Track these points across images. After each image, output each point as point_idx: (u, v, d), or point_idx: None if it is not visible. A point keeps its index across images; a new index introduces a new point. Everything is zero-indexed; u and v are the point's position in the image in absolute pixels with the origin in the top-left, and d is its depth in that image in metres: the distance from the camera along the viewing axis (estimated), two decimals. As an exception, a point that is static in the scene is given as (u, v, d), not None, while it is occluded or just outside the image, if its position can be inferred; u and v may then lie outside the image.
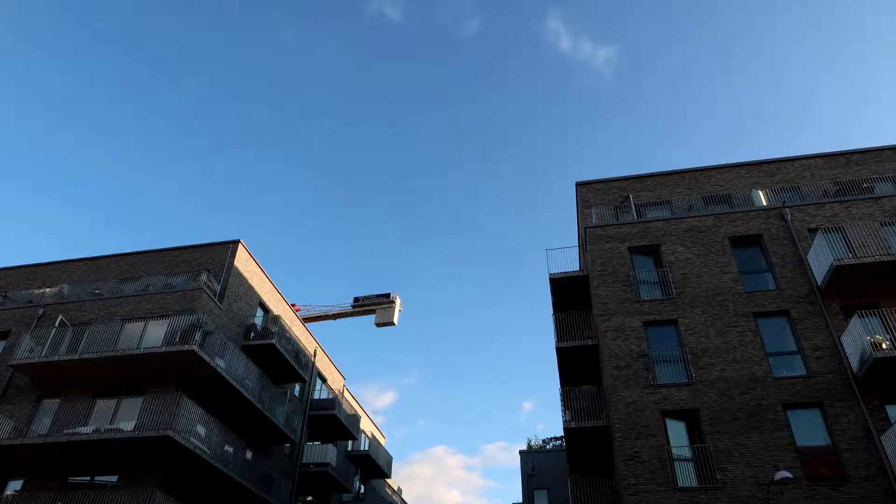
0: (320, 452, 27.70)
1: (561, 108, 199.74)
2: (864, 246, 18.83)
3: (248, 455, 22.48)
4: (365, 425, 36.69)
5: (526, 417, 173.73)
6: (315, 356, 30.86)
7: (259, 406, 22.08)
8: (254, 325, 24.92)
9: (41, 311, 23.60)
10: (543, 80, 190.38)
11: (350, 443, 33.70)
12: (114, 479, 18.72)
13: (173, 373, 20.03)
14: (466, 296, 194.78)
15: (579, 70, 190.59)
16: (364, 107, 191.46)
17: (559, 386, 22.12)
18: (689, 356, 18.21)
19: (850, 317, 18.04)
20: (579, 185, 25.56)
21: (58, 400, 20.75)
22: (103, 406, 19.92)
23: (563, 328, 22.08)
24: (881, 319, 17.44)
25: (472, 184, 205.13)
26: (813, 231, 20.16)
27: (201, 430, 19.23)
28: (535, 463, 32.20)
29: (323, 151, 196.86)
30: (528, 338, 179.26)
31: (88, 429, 18.96)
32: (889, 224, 19.70)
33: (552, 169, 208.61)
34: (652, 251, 21.31)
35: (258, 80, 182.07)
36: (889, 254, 17.65)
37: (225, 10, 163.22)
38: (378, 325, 60.25)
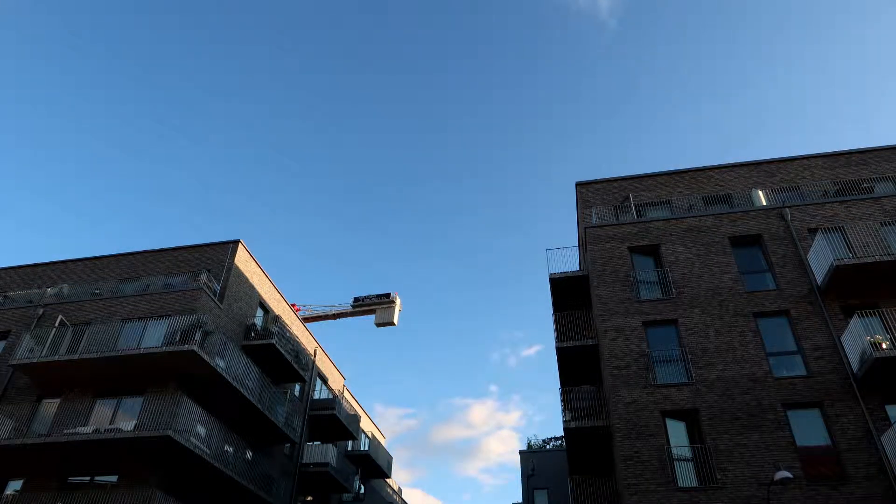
0: (320, 452, 27.70)
1: (561, 109, 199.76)
2: (864, 246, 18.82)
3: (248, 455, 22.48)
4: (365, 425, 36.69)
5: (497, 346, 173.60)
6: (315, 356, 30.85)
7: (259, 406, 22.08)
8: (254, 325, 24.92)
9: (41, 311, 23.60)
10: (543, 79, 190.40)
11: (350, 443, 33.70)
12: (114, 479, 18.72)
13: (173, 373, 20.02)
14: (466, 295, 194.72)
15: (580, 31, 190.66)
16: (364, 107, 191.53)
17: (559, 386, 22.12)
18: (689, 356, 18.21)
19: (850, 317, 18.04)
20: (579, 185, 25.56)
21: (58, 400, 20.74)
22: (103, 406, 19.93)
23: (563, 328, 22.07)
24: (881, 319, 17.44)
25: (472, 183, 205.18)
26: (813, 231, 20.16)
27: (201, 430, 19.22)
28: (535, 463, 32.19)
29: (323, 151, 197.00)
30: (528, 341, 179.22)
31: (88, 429, 18.95)
32: (889, 224, 19.70)
33: (552, 169, 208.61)
34: (652, 251, 21.30)
35: (257, 79, 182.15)
36: (889, 254, 17.65)
37: (222, 10, 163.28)
38: (378, 325, 60.19)
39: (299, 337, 29.56)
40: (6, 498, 18.74)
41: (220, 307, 22.86)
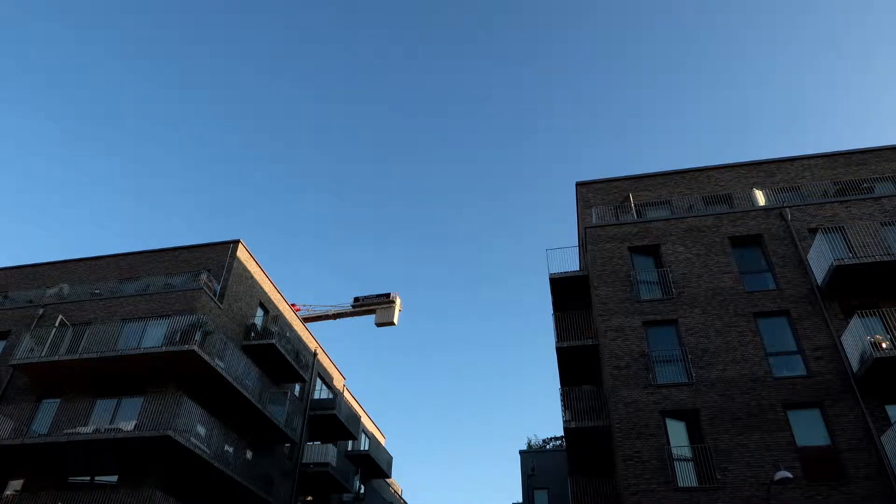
0: (320, 452, 27.69)
1: (561, 109, 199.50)
2: (864, 246, 18.83)
3: (248, 455, 22.48)
4: (365, 425, 36.69)
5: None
6: (315, 356, 30.86)
7: (259, 406, 22.08)
8: (254, 325, 24.92)
9: (41, 311, 23.60)
10: (544, 79, 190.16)
11: (350, 442, 33.69)
12: (114, 479, 18.72)
13: (173, 373, 20.02)
14: (466, 295, 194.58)
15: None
16: (365, 107, 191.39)
17: (559, 386, 22.13)
18: (689, 356, 18.21)
19: (850, 317, 18.04)
20: (579, 185, 25.56)
21: (58, 400, 20.74)
22: (103, 406, 19.93)
23: (564, 328, 22.09)
24: (881, 319, 17.45)
25: (473, 183, 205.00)
26: (813, 231, 20.17)
27: (201, 430, 19.23)
28: (535, 463, 32.20)
29: (323, 151, 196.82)
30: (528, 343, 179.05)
31: (88, 429, 18.96)
32: (889, 224, 19.70)
33: (552, 169, 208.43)
34: (652, 251, 21.31)
35: (258, 79, 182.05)
36: (889, 254, 17.64)
37: (222, 9, 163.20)
38: (378, 325, 60.23)
39: (299, 337, 29.56)
40: (6, 498, 18.73)
41: (220, 307, 22.85)
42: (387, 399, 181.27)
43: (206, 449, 19.03)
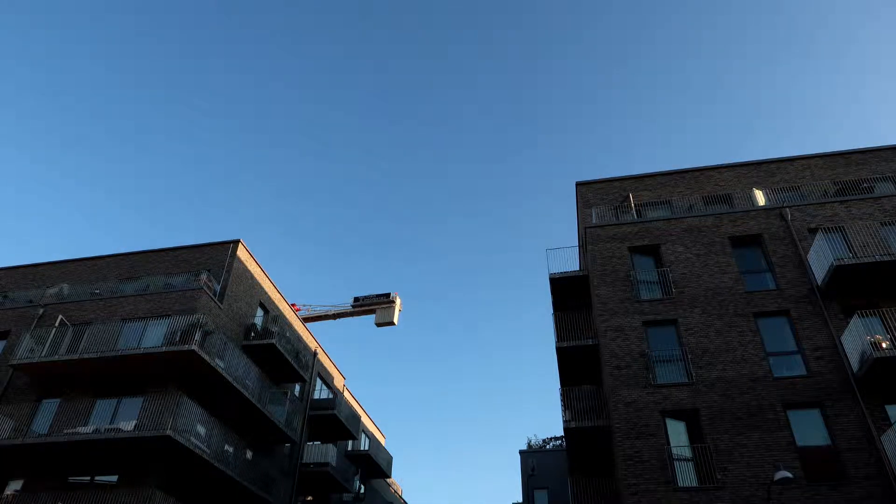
0: (320, 452, 27.69)
1: (561, 109, 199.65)
2: (864, 246, 18.84)
3: (248, 455, 22.47)
4: (365, 425, 36.69)
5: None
6: (315, 356, 30.86)
7: (259, 406, 22.08)
8: (254, 325, 24.92)
9: (41, 311, 23.59)
10: (544, 80, 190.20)
11: (350, 442, 33.70)
12: (114, 479, 18.72)
13: (173, 373, 20.02)
14: (466, 295, 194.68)
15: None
16: (365, 107, 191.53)
17: (559, 386, 22.13)
18: (689, 356, 18.21)
19: (850, 317, 18.05)
20: (579, 184, 25.56)
21: (58, 400, 20.74)
22: (103, 406, 19.94)
23: (564, 328, 22.09)
24: (881, 319, 17.45)
25: (473, 183, 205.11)
26: (813, 231, 20.17)
27: (201, 430, 19.23)
28: (535, 463, 32.20)
29: (324, 151, 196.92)
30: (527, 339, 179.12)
31: (88, 429, 18.96)
32: (889, 224, 19.70)
33: (552, 169, 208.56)
34: (652, 251, 21.31)
35: (259, 80, 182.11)
36: (889, 254, 17.64)
37: (221, 10, 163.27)
38: (378, 324, 60.19)
39: (299, 337, 29.55)
40: (6, 498, 18.73)
41: (220, 307, 22.85)
42: (387, 399, 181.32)
43: (206, 449, 19.03)
